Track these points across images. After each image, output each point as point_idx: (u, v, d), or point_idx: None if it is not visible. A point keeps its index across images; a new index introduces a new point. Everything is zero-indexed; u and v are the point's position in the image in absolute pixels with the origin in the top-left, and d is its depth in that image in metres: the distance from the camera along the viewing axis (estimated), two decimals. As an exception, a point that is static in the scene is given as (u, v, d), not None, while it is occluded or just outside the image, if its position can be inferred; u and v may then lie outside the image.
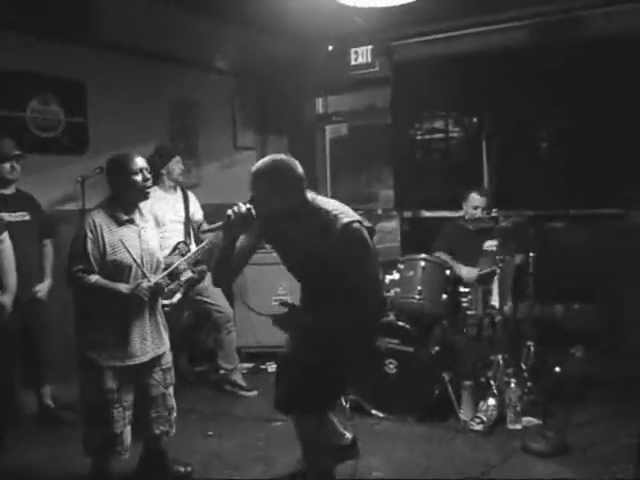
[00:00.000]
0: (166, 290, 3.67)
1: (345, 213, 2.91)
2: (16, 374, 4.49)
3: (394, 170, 7.00)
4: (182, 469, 3.71)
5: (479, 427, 4.22)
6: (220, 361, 5.19)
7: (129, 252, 3.35)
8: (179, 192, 5.18)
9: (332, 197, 3.10)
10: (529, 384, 4.47)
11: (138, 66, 5.71)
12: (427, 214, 6.68)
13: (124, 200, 3.45)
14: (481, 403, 4.35)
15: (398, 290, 4.71)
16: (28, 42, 4.91)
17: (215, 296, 5.08)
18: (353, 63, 7.01)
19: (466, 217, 5.24)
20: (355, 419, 3.89)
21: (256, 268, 5.34)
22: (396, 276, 4.77)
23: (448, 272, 4.82)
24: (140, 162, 3.45)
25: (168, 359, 3.59)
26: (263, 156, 2.98)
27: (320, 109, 7.65)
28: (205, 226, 5.04)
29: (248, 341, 5.81)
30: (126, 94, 5.57)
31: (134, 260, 3.36)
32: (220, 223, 2.87)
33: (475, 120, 6.56)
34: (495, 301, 4.70)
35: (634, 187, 5.32)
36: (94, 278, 3.30)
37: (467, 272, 5.06)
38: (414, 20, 6.04)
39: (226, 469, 3.88)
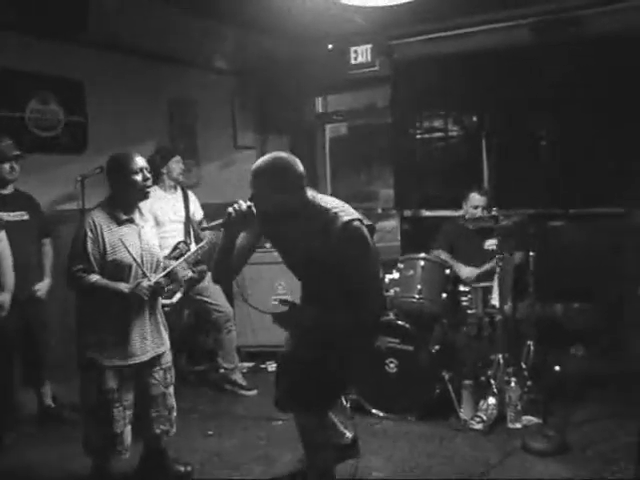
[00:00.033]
0: (166, 290, 3.67)
1: (345, 211, 2.91)
2: (16, 373, 4.49)
3: (394, 169, 7.01)
4: (182, 468, 3.72)
5: (479, 426, 4.23)
6: (220, 360, 5.19)
7: (129, 251, 3.35)
8: (179, 192, 5.18)
9: (332, 196, 3.09)
10: (529, 383, 4.47)
11: (138, 66, 5.70)
12: (427, 213, 6.68)
13: (124, 200, 3.45)
14: (481, 402, 4.35)
15: (398, 289, 4.71)
16: (27, 42, 4.89)
17: (215, 296, 5.08)
18: (353, 62, 7.01)
19: (466, 216, 5.23)
20: (355, 418, 3.88)
21: (254, 267, 5.34)
22: (396, 275, 4.77)
23: (448, 271, 4.82)
24: (140, 161, 3.45)
25: (168, 358, 3.59)
26: (263, 155, 2.97)
27: (320, 108, 7.66)
28: (205, 224, 5.04)
29: (248, 340, 5.82)
30: (126, 94, 5.57)
31: (134, 259, 3.37)
32: (220, 220, 2.87)
33: (475, 119, 6.57)
34: (495, 300, 4.70)
35: (634, 186, 5.32)
36: (94, 278, 3.30)
37: (468, 272, 5.06)
38: (414, 19, 6.05)
39: (226, 468, 3.88)
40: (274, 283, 5.66)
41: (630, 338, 5.18)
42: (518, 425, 4.25)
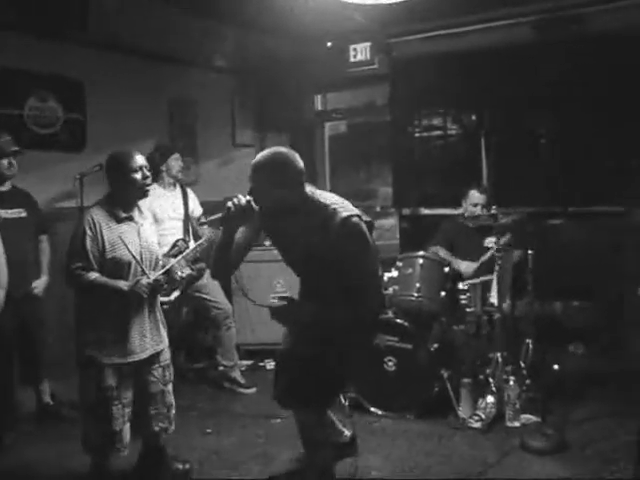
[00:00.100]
0: (165, 287, 3.66)
1: (344, 207, 2.90)
2: (14, 371, 4.49)
3: (393, 167, 7.01)
4: (181, 466, 3.71)
5: (478, 424, 4.23)
6: (219, 358, 5.19)
7: (128, 249, 3.35)
8: (178, 189, 5.19)
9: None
10: (528, 381, 4.47)
11: (138, 65, 5.70)
12: (426, 211, 6.68)
13: (123, 197, 3.44)
14: (480, 400, 4.35)
15: (397, 287, 4.70)
16: (26, 41, 4.89)
17: (214, 293, 5.08)
18: (352, 60, 7.01)
19: (465, 214, 5.23)
20: (354, 416, 3.88)
21: (253, 265, 5.35)
22: (395, 273, 4.77)
23: (447, 269, 4.82)
24: (140, 160, 3.44)
25: (167, 356, 3.59)
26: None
27: (319, 106, 7.65)
28: (204, 218, 5.04)
29: (247, 338, 5.81)
30: (125, 92, 5.56)
31: (133, 257, 3.36)
32: (219, 215, 2.86)
33: (474, 117, 6.57)
34: (494, 298, 4.70)
35: (633, 184, 5.32)
36: (93, 275, 3.29)
37: (466, 266, 5.06)
38: (413, 17, 6.04)
39: (225, 466, 3.88)
40: (273, 281, 5.67)
41: (629, 336, 5.18)
42: (517, 424, 4.25)
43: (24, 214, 4.44)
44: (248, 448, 4.13)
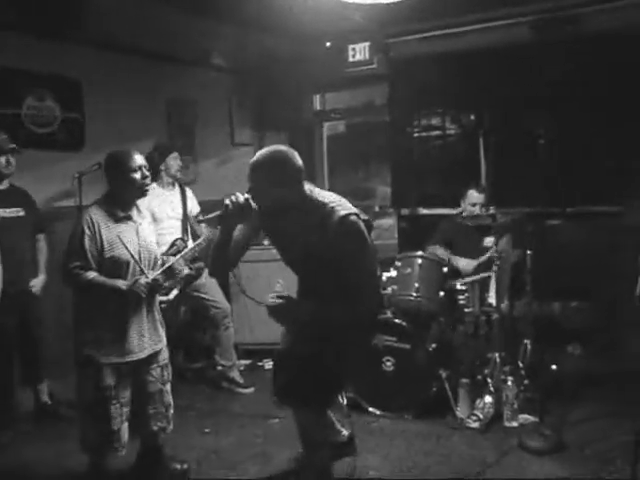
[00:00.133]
0: (163, 287, 3.66)
1: (342, 205, 2.90)
2: (13, 371, 4.48)
3: (391, 167, 7.01)
4: (179, 466, 3.71)
5: (476, 424, 4.23)
6: (217, 358, 5.18)
7: (127, 248, 3.35)
8: (177, 189, 5.19)
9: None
10: (526, 382, 4.47)
11: (135, 64, 5.68)
12: (424, 211, 6.69)
13: (122, 197, 3.44)
14: (478, 401, 4.35)
15: (395, 287, 4.70)
16: (24, 40, 4.87)
17: (213, 292, 5.08)
18: (351, 60, 7.01)
19: (464, 214, 5.23)
20: (352, 416, 3.87)
21: (251, 265, 5.35)
22: (393, 273, 4.77)
23: (445, 269, 4.82)
24: (139, 159, 3.44)
25: (165, 355, 3.59)
26: (260, 152, 2.96)
27: (318, 106, 7.65)
28: (201, 216, 5.03)
29: (245, 338, 5.81)
30: (123, 92, 5.55)
31: (132, 256, 3.36)
32: (218, 213, 2.86)
33: (473, 117, 6.57)
34: (492, 298, 4.70)
35: (632, 184, 5.32)
36: (91, 275, 3.29)
37: (465, 264, 5.05)
38: (412, 17, 6.05)
39: (223, 466, 3.88)
40: (271, 281, 5.64)
41: (627, 337, 5.18)
42: (515, 424, 4.26)
43: (22, 213, 4.44)
44: (246, 448, 4.13)
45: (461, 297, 4.83)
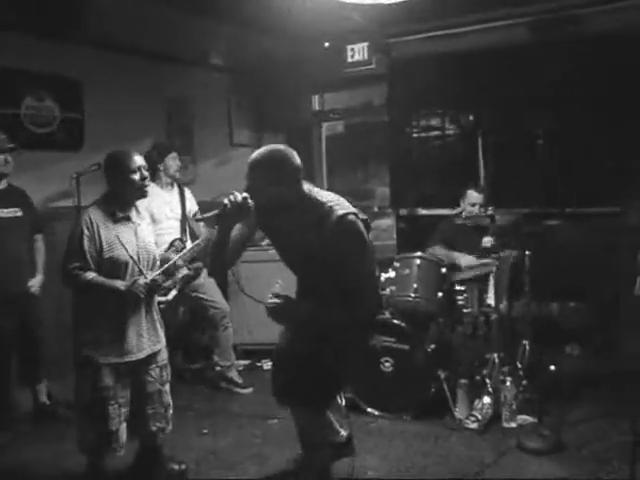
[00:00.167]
0: (162, 287, 3.66)
1: (341, 205, 2.90)
2: (11, 371, 4.48)
3: (390, 167, 7.01)
4: (177, 467, 3.70)
5: (474, 425, 4.23)
6: (216, 358, 5.19)
7: (125, 249, 3.35)
8: (175, 189, 5.19)
9: (328, 192, 3.08)
10: (524, 382, 4.47)
11: (135, 64, 5.68)
12: (423, 212, 6.69)
13: (121, 197, 3.44)
14: (476, 401, 4.35)
15: (394, 288, 4.70)
16: (23, 40, 4.87)
17: (211, 292, 5.08)
18: (349, 60, 7.01)
19: (463, 214, 5.23)
20: (351, 417, 3.86)
21: (250, 265, 5.35)
22: (392, 274, 4.77)
23: (444, 270, 4.82)
24: (138, 160, 3.44)
25: (164, 356, 3.59)
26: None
27: (316, 106, 7.65)
28: (199, 215, 5.03)
29: (244, 338, 5.81)
30: (122, 92, 5.55)
31: (130, 257, 3.36)
32: (216, 211, 2.85)
33: (471, 118, 6.57)
34: (491, 299, 4.71)
35: (630, 185, 5.32)
36: (90, 275, 3.29)
37: (466, 260, 5.05)
38: (411, 17, 6.04)
39: (221, 467, 3.87)
40: (271, 281, 5.64)
41: (625, 337, 5.18)
42: (513, 424, 4.26)
43: (20, 213, 4.44)
44: (245, 448, 4.13)
45: (460, 298, 4.84)
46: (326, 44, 7.01)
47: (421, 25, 6.39)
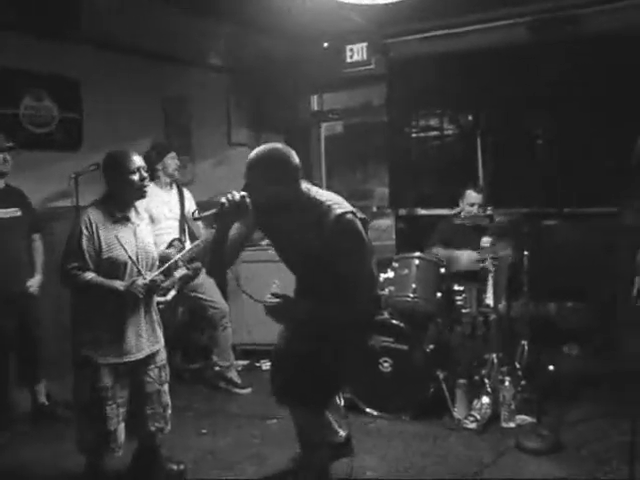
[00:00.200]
0: (161, 287, 3.66)
1: (339, 204, 2.89)
2: (10, 371, 4.48)
3: (389, 168, 7.01)
4: (175, 467, 3.70)
5: (473, 425, 4.23)
6: (215, 358, 5.18)
7: (125, 249, 3.34)
8: (174, 189, 5.18)
9: (327, 193, 3.08)
10: (523, 382, 4.48)
11: (133, 64, 5.67)
12: (422, 212, 6.69)
13: (120, 198, 3.44)
14: (475, 401, 4.35)
15: (392, 288, 4.70)
16: (22, 40, 4.86)
17: (210, 292, 5.07)
18: (348, 60, 7.01)
19: (462, 214, 5.23)
20: (349, 417, 3.87)
21: (249, 265, 5.36)
22: (390, 274, 4.77)
23: (443, 270, 4.82)
24: (138, 161, 3.43)
25: (163, 356, 3.58)
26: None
27: (315, 106, 7.65)
28: (197, 214, 5.01)
29: (243, 338, 5.81)
30: (121, 91, 5.54)
31: (129, 257, 3.36)
32: (214, 210, 2.85)
33: (470, 117, 6.57)
34: (489, 299, 4.70)
35: (628, 185, 5.32)
36: (89, 275, 3.29)
37: (468, 255, 5.04)
38: (410, 17, 6.05)
39: (220, 467, 3.87)
40: (269, 281, 5.65)
41: (623, 337, 5.18)
42: (512, 424, 4.26)
43: (19, 213, 4.44)
44: (243, 448, 4.12)
45: (458, 298, 4.84)
46: (325, 44, 7.01)
47: (420, 25, 6.39)
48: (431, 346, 4.51)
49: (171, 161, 5.10)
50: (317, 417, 3.21)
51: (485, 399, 4.33)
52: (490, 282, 4.69)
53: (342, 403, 3.74)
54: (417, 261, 4.76)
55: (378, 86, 6.93)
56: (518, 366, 4.56)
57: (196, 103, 6.41)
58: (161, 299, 4.13)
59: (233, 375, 5.21)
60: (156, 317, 3.59)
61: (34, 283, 4.49)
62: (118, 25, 5.39)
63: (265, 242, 5.38)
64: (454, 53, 6.26)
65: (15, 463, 3.97)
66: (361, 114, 7.57)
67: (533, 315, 4.86)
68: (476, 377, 4.53)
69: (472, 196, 5.19)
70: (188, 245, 4.86)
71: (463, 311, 4.82)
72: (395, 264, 4.82)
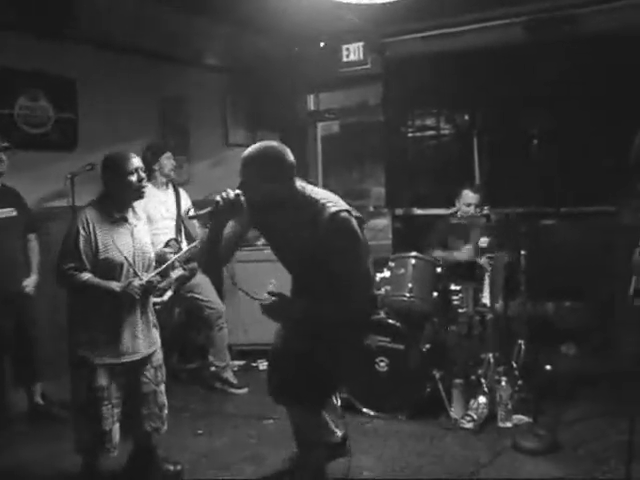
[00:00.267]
0: (157, 288, 3.65)
1: (334, 202, 2.89)
2: (6, 372, 4.47)
3: (386, 167, 7.01)
4: (172, 467, 3.70)
5: (470, 425, 4.23)
6: (211, 358, 5.17)
7: (120, 251, 3.33)
8: (171, 189, 5.17)
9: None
10: (520, 382, 4.48)
11: (130, 63, 5.66)
12: (418, 211, 6.68)
13: (118, 199, 3.43)
14: (472, 401, 4.35)
15: (389, 288, 4.70)
16: (17, 40, 4.86)
17: (207, 292, 5.07)
18: (345, 60, 7.00)
19: (459, 214, 5.23)
20: (346, 417, 3.85)
21: (244, 265, 5.35)
22: (387, 274, 4.76)
23: (439, 270, 4.81)
24: (136, 162, 3.43)
25: (159, 356, 3.58)
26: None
27: (312, 106, 7.64)
28: (192, 212, 5.01)
29: (239, 338, 5.80)
30: (117, 91, 5.53)
31: (125, 259, 3.35)
32: (209, 209, 2.84)
33: (467, 117, 6.56)
34: (486, 299, 4.71)
35: (625, 184, 5.32)
36: (85, 276, 3.28)
37: (466, 250, 5.03)
38: (406, 17, 6.04)
39: (216, 468, 3.86)
40: (265, 281, 5.64)
41: (621, 337, 5.18)
42: (509, 424, 4.25)
43: (15, 213, 4.43)
44: (240, 449, 4.12)
45: (455, 297, 4.84)
46: (321, 44, 7.00)
47: (416, 25, 6.39)
48: (427, 346, 4.50)
49: (167, 161, 5.09)
50: (314, 416, 3.21)
51: (482, 399, 4.33)
52: (487, 281, 4.69)
53: (339, 403, 3.73)
54: (413, 260, 4.75)
55: (374, 86, 6.93)
56: (515, 366, 4.56)
57: (193, 103, 6.40)
58: (157, 299, 4.13)
59: (229, 375, 5.20)
60: (152, 318, 3.58)
61: (30, 283, 4.49)
62: (114, 24, 5.37)
63: (261, 242, 5.39)
64: (450, 53, 6.26)
65: (12, 463, 3.96)
66: (357, 114, 7.57)
67: (530, 314, 4.85)
68: (473, 377, 4.53)
69: (469, 196, 5.20)
70: (184, 245, 4.85)
71: (460, 310, 4.82)
72: (391, 263, 4.81)
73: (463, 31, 6.19)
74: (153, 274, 3.47)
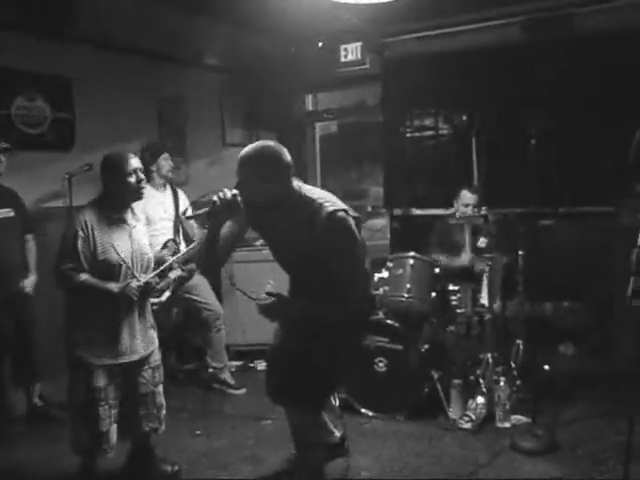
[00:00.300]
0: (156, 289, 3.65)
1: (331, 202, 2.88)
2: (5, 372, 4.46)
3: (384, 167, 7.00)
4: (169, 468, 3.70)
5: (468, 425, 4.22)
6: (209, 359, 5.17)
7: (117, 253, 3.33)
8: (169, 190, 5.17)
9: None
10: (518, 382, 4.47)
11: (127, 63, 5.65)
12: (417, 212, 6.68)
13: (117, 200, 3.43)
14: (470, 401, 4.35)
15: (387, 288, 4.69)
16: (13, 40, 4.85)
17: (205, 294, 5.06)
18: (343, 60, 7.00)
19: (457, 215, 5.22)
20: (344, 417, 3.87)
21: (242, 265, 5.34)
22: (385, 274, 4.75)
23: (437, 270, 4.81)
24: (135, 163, 3.42)
25: (157, 357, 3.58)
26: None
27: (310, 106, 7.64)
28: (189, 212, 5.01)
29: (237, 339, 5.79)
30: (114, 91, 5.52)
31: (123, 260, 3.34)
32: (206, 209, 2.84)
33: (465, 117, 6.56)
34: (484, 299, 4.70)
35: (624, 185, 5.32)
36: (84, 277, 3.28)
37: (464, 258, 5.02)
38: (405, 17, 6.04)
39: (214, 468, 3.86)
40: (263, 282, 5.64)
41: (619, 337, 5.18)
42: (507, 424, 4.25)
43: (12, 214, 4.42)
44: (238, 449, 4.11)
45: (453, 298, 4.83)
46: (320, 44, 6.99)
47: (414, 25, 6.39)
48: (426, 346, 4.50)
49: (165, 162, 5.08)
50: (312, 417, 3.20)
51: (480, 399, 4.33)
52: (485, 282, 4.69)
53: (337, 403, 3.73)
54: (412, 261, 4.74)
55: (373, 86, 6.92)
56: (513, 366, 4.56)
57: (191, 103, 6.40)
58: (155, 300, 4.12)
59: (226, 376, 5.20)
60: (150, 318, 3.58)
61: (28, 283, 4.48)
62: (112, 24, 5.36)
63: (259, 242, 5.37)
64: (449, 53, 6.26)
65: (10, 464, 3.95)
66: (356, 114, 7.56)
67: (528, 315, 4.84)
68: (471, 377, 4.52)
69: (467, 196, 5.18)
70: (182, 246, 4.85)
71: (458, 311, 4.80)
72: (390, 264, 4.81)
73: (461, 31, 6.19)
74: (151, 275, 3.46)
